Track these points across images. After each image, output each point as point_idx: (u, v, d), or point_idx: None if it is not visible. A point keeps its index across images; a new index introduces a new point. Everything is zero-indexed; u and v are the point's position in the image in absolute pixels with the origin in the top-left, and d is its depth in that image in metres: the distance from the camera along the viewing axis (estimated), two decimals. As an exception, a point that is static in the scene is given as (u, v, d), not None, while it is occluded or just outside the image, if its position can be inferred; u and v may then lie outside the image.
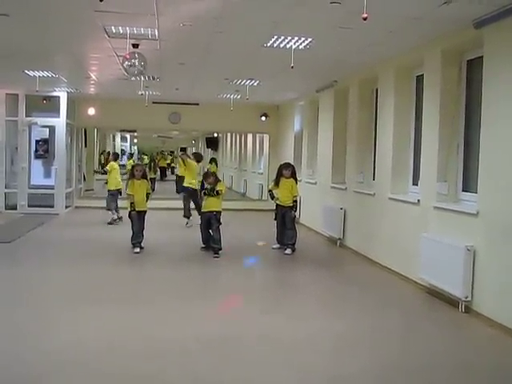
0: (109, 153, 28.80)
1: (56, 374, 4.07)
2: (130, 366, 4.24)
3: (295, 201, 9.36)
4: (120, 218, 12.17)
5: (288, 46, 7.29)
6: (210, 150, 27.95)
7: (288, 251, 9.17)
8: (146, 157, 30.38)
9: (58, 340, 4.80)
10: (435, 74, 6.83)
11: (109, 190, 12.50)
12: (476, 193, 6.04)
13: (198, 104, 15.24)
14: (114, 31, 6.89)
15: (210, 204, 8.97)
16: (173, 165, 32.65)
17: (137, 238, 8.98)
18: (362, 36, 6.78)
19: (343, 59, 8.36)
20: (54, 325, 5.28)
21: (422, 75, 7.31)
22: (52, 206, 13.75)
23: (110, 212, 12.27)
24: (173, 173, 30.12)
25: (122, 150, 32.11)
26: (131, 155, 18.51)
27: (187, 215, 11.99)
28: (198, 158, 12.94)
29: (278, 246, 9.50)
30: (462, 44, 6.50)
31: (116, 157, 13.86)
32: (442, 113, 6.70)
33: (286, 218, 9.31)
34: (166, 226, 12.12)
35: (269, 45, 7.36)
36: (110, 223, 12.13)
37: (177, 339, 4.91)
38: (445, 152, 6.72)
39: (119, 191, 12.43)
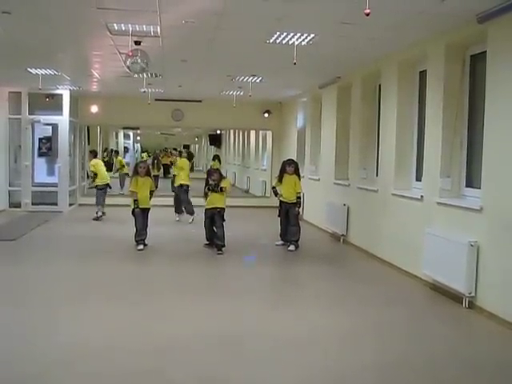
0: (112, 151, 28.83)
1: (57, 372, 4.08)
2: (132, 363, 4.24)
3: (299, 197, 9.35)
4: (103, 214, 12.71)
5: (291, 42, 7.28)
6: (213, 146, 27.99)
7: (291, 248, 9.17)
8: (144, 154, 30.29)
9: (60, 337, 4.82)
10: (438, 69, 6.81)
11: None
12: (479, 188, 6.02)
13: (200, 101, 15.25)
14: (116, 28, 6.89)
15: (213, 200, 8.96)
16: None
17: (140, 236, 9.01)
18: (365, 31, 6.75)
19: (346, 55, 8.35)
20: (57, 322, 5.29)
21: (426, 70, 7.29)
22: (56, 204, 13.79)
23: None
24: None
25: (124, 147, 32.06)
26: (117, 152, 19.06)
27: (191, 211, 12.04)
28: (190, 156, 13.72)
29: (281, 242, 9.50)
30: (466, 39, 6.47)
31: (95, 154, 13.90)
32: (446, 108, 6.68)
33: (289, 215, 9.30)
34: (170, 223, 12.14)
35: (271, 41, 7.34)
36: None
37: (180, 336, 4.91)
38: (448, 147, 6.71)
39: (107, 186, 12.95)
